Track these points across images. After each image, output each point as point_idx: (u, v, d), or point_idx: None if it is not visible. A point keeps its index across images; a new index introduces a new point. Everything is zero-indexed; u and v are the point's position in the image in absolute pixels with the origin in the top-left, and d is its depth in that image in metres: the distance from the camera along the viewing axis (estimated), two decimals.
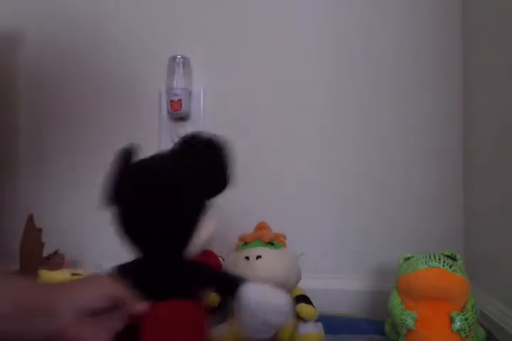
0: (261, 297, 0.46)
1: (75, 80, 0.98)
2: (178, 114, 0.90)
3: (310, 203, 0.89)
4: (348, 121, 0.89)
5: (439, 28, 0.87)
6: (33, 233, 0.83)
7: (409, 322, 0.61)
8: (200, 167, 0.49)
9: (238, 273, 0.63)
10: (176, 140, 0.91)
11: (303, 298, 0.66)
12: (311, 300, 0.67)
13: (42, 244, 0.83)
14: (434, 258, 0.64)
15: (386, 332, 0.70)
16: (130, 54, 0.95)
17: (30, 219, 0.83)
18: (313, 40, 0.90)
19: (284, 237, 0.72)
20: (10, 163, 0.99)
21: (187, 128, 0.93)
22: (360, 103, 0.89)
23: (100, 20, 0.97)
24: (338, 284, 0.86)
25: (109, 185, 0.50)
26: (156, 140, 0.94)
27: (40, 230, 0.83)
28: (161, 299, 0.45)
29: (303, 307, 0.64)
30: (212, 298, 0.62)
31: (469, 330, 0.60)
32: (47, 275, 0.71)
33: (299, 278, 0.67)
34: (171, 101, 0.88)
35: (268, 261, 0.63)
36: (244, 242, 0.69)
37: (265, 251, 0.65)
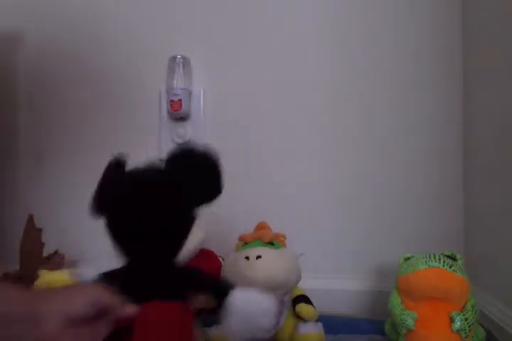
0: (250, 301, 0.47)
1: (75, 80, 0.98)
2: (178, 114, 0.90)
3: (310, 203, 0.89)
4: (348, 121, 0.89)
5: (439, 28, 0.87)
6: (33, 233, 0.83)
7: (409, 322, 0.61)
8: (191, 176, 0.49)
9: (238, 273, 0.63)
10: (176, 140, 0.92)
11: (303, 298, 0.66)
12: (311, 300, 0.67)
13: (42, 244, 0.83)
14: (434, 258, 0.64)
15: (386, 332, 0.70)
16: (130, 54, 0.96)
17: (30, 219, 0.83)
18: (313, 40, 0.90)
19: (284, 237, 0.72)
20: (10, 163, 0.99)
21: (187, 128, 0.93)
22: (360, 103, 0.89)
23: (100, 20, 0.97)
24: (338, 284, 0.86)
25: (100, 193, 0.50)
26: (156, 140, 0.94)
27: (40, 230, 0.83)
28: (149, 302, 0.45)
29: (303, 307, 0.64)
30: (210, 298, 0.62)
31: (469, 330, 0.60)
32: (47, 275, 0.71)
33: (299, 278, 0.67)
34: (171, 101, 0.88)
35: (268, 261, 0.63)
36: (244, 242, 0.69)
37: (265, 251, 0.65)
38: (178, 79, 0.89)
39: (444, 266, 0.63)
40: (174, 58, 0.90)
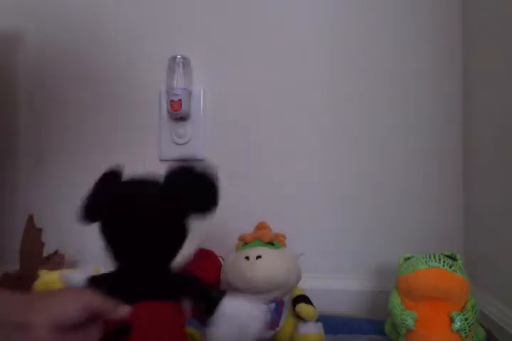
0: (240, 309, 0.48)
1: (75, 80, 0.98)
2: (178, 114, 0.90)
3: (310, 203, 0.89)
4: (348, 121, 0.89)
5: (439, 28, 0.87)
6: (33, 233, 0.83)
7: (409, 322, 0.61)
8: (188, 189, 0.49)
9: (238, 273, 0.63)
10: (176, 140, 0.92)
11: (303, 298, 0.66)
12: (311, 300, 0.67)
13: (42, 244, 0.83)
14: (434, 258, 0.64)
15: (386, 332, 0.70)
16: (130, 54, 0.96)
17: (30, 219, 0.83)
18: (313, 40, 0.90)
19: (284, 237, 0.72)
20: (10, 163, 0.99)
21: (187, 128, 0.93)
22: (360, 103, 0.89)
23: (100, 20, 0.97)
24: (338, 284, 0.86)
25: (94, 200, 0.51)
26: (156, 140, 0.94)
27: (40, 230, 0.83)
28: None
29: (303, 307, 0.64)
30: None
31: (469, 330, 0.60)
32: (47, 275, 0.71)
33: (299, 278, 0.67)
34: (171, 101, 0.88)
35: (268, 261, 0.63)
36: (244, 242, 0.69)
37: (265, 251, 0.65)
38: (178, 79, 0.89)
39: (444, 266, 0.63)
40: (174, 58, 0.90)
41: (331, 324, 0.72)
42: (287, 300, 0.67)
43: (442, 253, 0.66)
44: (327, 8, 0.90)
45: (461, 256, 0.66)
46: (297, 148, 0.90)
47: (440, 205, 0.86)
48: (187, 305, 0.49)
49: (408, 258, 0.68)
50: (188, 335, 0.50)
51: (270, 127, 0.91)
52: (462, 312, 0.61)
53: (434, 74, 0.87)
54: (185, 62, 0.91)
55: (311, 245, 0.86)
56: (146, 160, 0.92)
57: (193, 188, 0.49)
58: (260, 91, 0.91)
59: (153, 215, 0.47)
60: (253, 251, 0.64)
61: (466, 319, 0.60)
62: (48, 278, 0.69)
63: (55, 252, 0.85)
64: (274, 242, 0.68)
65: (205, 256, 0.82)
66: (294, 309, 0.65)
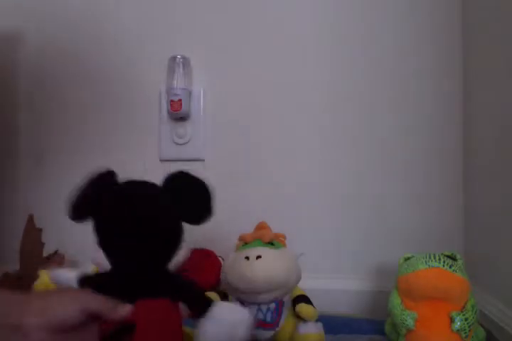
0: (229, 312, 0.49)
1: (75, 80, 0.98)
2: (178, 114, 0.90)
3: (310, 203, 0.89)
4: (348, 121, 0.89)
5: (439, 28, 0.87)
6: (33, 233, 0.83)
7: (409, 322, 0.61)
8: (185, 195, 0.50)
9: (238, 273, 0.63)
10: (176, 140, 0.92)
11: (303, 298, 0.66)
12: (311, 300, 0.67)
13: (42, 244, 0.83)
14: (434, 258, 0.64)
15: (386, 332, 0.70)
16: (130, 54, 0.96)
17: (30, 219, 0.83)
18: (313, 40, 0.90)
19: (284, 237, 0.72)
20: (10, 163, 0.99)
21: (187, 128, 0.93)
22: (360, 103, 0.89)
23: (100, 20, 0.97)
24: (338, 284, 0.86)
25: (88, 198, 0.50)
26: (156, 140, 0.94)
27: (40, 230, 0.83)
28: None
29: (303, 307, 0.64)
30: (213, 296, 0.63)
31: (469, 330, 0.60)
32: (47, 275, 0.71)
33: (299, 278, 0.67)
34: (171, 101, 0.88)
35: (268, 261, 0.63)
36: (244, 242, 0.69)
37: (265, 251, 0.65)
38: (178, 79, 0.89)
39: (444, 266, 0.62)
40: (174, 58, 0.90)
41: (331, 324, 0.72)
42: (287, 300, 0.67)
43: (442, 253, 0.66)
44: (327, 8, 0.90)
45: (461, 256, 0.66)
46: (297, 148, 0.90)
47: (440, 205, 0.86)
48: (185, 305, 0.49)
49: (408, 258, 0.68)
50: (185, 334, 0.50)
51: (270, 127, 0.91)
52: (462, 312, 0.61)
53: (434, 74, 0.87)
54: (185, 62, 0.91)
55: (311, 245, 0.86)
56: (146, 160, 0.92)
57: (190, 194, 0.50)
58: (260, 91, 0.91)
59: (153, 215, 0.47)
60: (253, 251, 0.64)
61: (466, 319, 0.60)
62: (48, 278, 0.69)
63: (55, 252, 0.86)
64: (274, 242, 0.68)
65: (205, 256, 0.82)
66: (294, 309, 0.65)
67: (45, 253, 0.84)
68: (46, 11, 0.99)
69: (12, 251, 0.82)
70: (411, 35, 0.88)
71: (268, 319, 0.64)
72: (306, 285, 0.69)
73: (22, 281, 0.78)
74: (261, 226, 0.72)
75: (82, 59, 0.97)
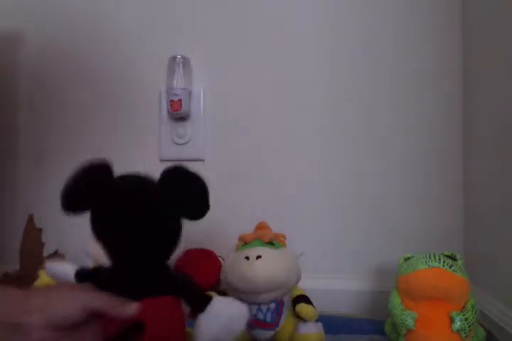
0: (227, 307, 0.49)
1: (75, 80, 0.98)
2: (178, 114, 0.90)
3: (310, 203, 0.89)
4: (348, 121, 0.89)
5: (439, 28, 0.87)
6: (33, 233, 0.83)
7: (409, 322, 0.61)
8: (183, 189, 0.49)
9: (238, 273, 0.63)
10: (176, 140, 0.92)
11: (303, 298, 0.66)
12: (311, 300, 0.67)
13: (42, 244, 0.83)
14: (434, 258, 0.64)
15: (386, 332, 0.70)
16: (130, 54, 0.96)
17: (30, 219, 0.83)
18: (313, 40, 0.90)
19: (284, 237, 0.72)
20: (10, 163, 0.99)
21: (187, 128, 0.93)
22: (360, 103, 0.89)
23: (100, 20, 0.97)
24: (338, 284, 0.86)
25: (83, 189, 0.49)
26: (156, 140, 0.94)
27: (40, 230, 0.83)
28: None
29: (303, 307, 0.64)
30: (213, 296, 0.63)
31: (469, 330, 0.60)
32: (47, 275, 0.71)
33: (299, 278, 0.67)
34: (171, 101, 0.88)
35: (268, 261, 0.63)
36: (244, 242, 0.69)
37: (265, 251, 0.64)
38: (178, 79, 0.89)
39: (444, 266, 0.63)
40: (174, 58, 0.90)
41: (331, 324, 0.72)
42: (287, 300, 0.67)
43: (442, 253, 0.66)
44: (327, 8, 0.90)
45: (461, 256, 0.66)
46: (297, 148, 0.90)
47: (440, 205, 0.86)
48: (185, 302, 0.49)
49: (408, 258, 0.68)
50: (187, 333, 0.50)
51: (270, 127, 0.91)
52: (462, 312, 0.61)
53: (434, 74, 0.87)
54: (185, 62, 0.91)
55: (311, 245, 0.86)
56: (146, 160, 0.92)
57: (188, 188, 0.50)
58: (260, 92, 0.91)
59: (152, 212, 0.47)
60: (253, 251, 0.64)
61: (466, 319, 0.60)
62: (48, 278, 0.69)
63: (55, 252, 0.85)
64: (274, 242, 0.68)
65: (205, 256, 0.82)
66: (294, 309, 0.65)
67: (45, 253, 0.84)
68: (46, 11, 0.99)
69: (12, 251, 0.82)
70: (411, 35, 0.88)
71: (268, 319, 0.64)
72: (306, 285, 0.69)
73: (22, 281, 0.78)
74: (261, 226, 0.72)
75: (82, 59, 0.97)
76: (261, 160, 0.91)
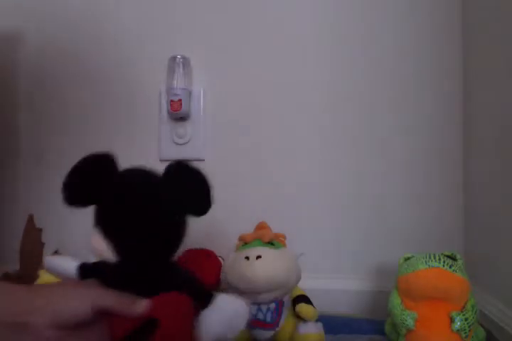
0: (230, 303, 0.49)
1: (75, 80, 0.98)
2: (178, 114, 0.90)
3: (310, 203, 0.89)
4: (348, 121, 0.89)
5: (439, 28, 0.87)
6: (33, 233, 0.83)
7: (409, 322, 0.61)
8: (187, 185, 0.49)
9: (238, 273, 0.63)
10: (176, 140, 0.92)
11: (303, 298, 0.66)
12: (311, 300, 0.67)
13: (42, 244, 0.83)
14: (434, 258, 0.64)
15: (386, 332, 0.70)
16: (130, 54, 0.96)
17: (30, 219, 0.83)
18: (313, 40, 0.90)
19: (284, 237, 0.72)
20: (10, 163, 0.99)
21: (187, 128, 0.93)
22: (360, 103, 0.89)
23: (100, 20, 0.97)
24: (338, 284, 0.86)
25: (87, 182, 0.48)
26: (156, 140, 0.94)
27: (40, 230, 0.83)
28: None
29: (303, 307, 0.64)
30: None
31: (469, 330, 0.60)
32: (47, 275, 0.71)
33: (299, 278, 0.67)
34: (171, 101, 0.88)
35: (268, 261, 0.63)
36: (244, 242, 0.69)
37: (265, 251, 0.65)
38: (178, 79, 0.89)
39: (444, 266, 0.63)
40: (174, 58, 0.90)
41: (331, 324, 0.72)
42: (287, 300, 0.67)
43: (442, 253, 0.66)
44: (327, 8, 0.90)
45: (461, 256, 0.66)
46: (297, 148, 0.90)
47: (440, 205, 0.86)
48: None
49: (408, 258, 0.68)
50: None
51: (270, 127, 0.91)
52: (462, 312, 0.61)
53: (434, 74, 0.87)
54: (185, 62, 0.91)
55: (311, 245, 0.86)
56: (147, 160, 0.92)
57: (191, 184, 0.49)
58: (260, 92, 0.91)
59: (158, 209, 0.46)
60: (253, 251, 0.64)
61: (466, 319, 0.60)
62: (48, 278, 0.69)
63: (55, 252, 0.85)
64: (274, 242, 0.68)
65: (205, 256, 0.82)
66: (294, 309, 0.65)
67: (45, 253, 0.84)
68: (46, 11, 0.99)
69: (12, 251, 0.82)
70: (411, 35, 0.88)
71: (268, 319, 0.64)
72: (306, 285, 0.69)
73: (22, 281, 0.78)
74: (261, 226, 0.72)
75: (82, 59, 0.97)
76: (261, 160, 0.91)
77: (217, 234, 0.86)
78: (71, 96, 0.98)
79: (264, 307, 0.64)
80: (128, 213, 0.45)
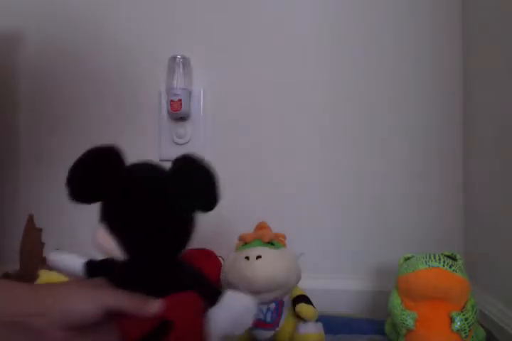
0: (239, 300, 0.48)
1: (75, 80, 0.98)
2: (178, 114, 0.90)
3: (310, 203, 0.89)
4: (348, 121, 0.89)
5: (439, 28, 0.87)
6: (33, 233, 0.83)
7: (409, 322, 0.61)
8: (194, 181, 0.48)
9: (238, 273, 0.63)
10: (176, 140, 0.92)
11: (303, 298, 0.66)
12: (311, 300, 0.67)
13: (42, 244, 0.83)
14: (434, 258, 0.64)
15: (386, 332, 0.70)
16: (130, 54, 0.96)
17: (30, 219, 0.83)
18: (313, 40, 0.90)
19: (284, 237, 0.72)
20: (10, 163, 0.99)
21: (187, 128, 0.93)
22: (360, 103, 0.89)
23: (100, 20, 0.97)
24: (338, 284, 0.86)
25: (91, 177, 0.47)
26: (156, 140, 0.94)
27: (40, 230, 0.83)
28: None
29: (303, 307, 0.64)
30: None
31: (469, 330, 0.60)
32: (47, 275, 0.71)
33: (299, 278, 0.67)
34: (171, 101, 0.88)
35: (268, 261, 0.63)
36: (244, 242, 0.69)
37: (265, 251, 0.64)
38: (178, 79, 0.89)
39: (444, 266, 0.63)
40: (174, 58, 0.90)
41: (331, 324, 0.72)
42: (287, 300, 0.67)
43: (442, 253, 0.66)
44: (327, 8, 0.90)
45: (461, 256, 0.66)
46: (297, 148, 0.90)
47: (440, 205, 0.86)
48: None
49: (408, 258, 0.68)
50: None
51: (270, 127, 0.91)
52: (462, 312, 0.61)
53: (434, 74, 0.87)
54: (185, 62, 0.91)
55: (311, 245, 0.86)
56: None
57: (199, 178, 0.49)
58: (260, 92, 0.91)
59: (166, 205, 0.46)
60: (253, 251, 0.64)
61: (466, 319, 0.60)
62: (48, 278, 0.69)
63: None
64: (274, 242, 0.68)
65: (205, 256, 0.82)
66: (294, 309, 0.65)
67: (45, 253, 0.84)
68: (46, 11, 0.99)
69: (12, 251, 0.82)
70: (411, 35, 0.88)
71: (268, 319, 0.64)
72: (306, 285, 0.69)
73: (22, 281, 0.77)
74: (261, 226, 0.72)
75: (82, 59, 0.97)
76: (261, 160, 0.91)
77: (217, 233, 0.86)
78: (71, 97, 0.98)
79: (264, 307, 0.64)
80: (135, 207, 0.44)
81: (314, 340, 0.63)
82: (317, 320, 0.65)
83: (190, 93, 0.91)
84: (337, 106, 0.89)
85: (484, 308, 0.70)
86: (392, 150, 0.88)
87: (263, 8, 0.92)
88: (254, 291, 0.62)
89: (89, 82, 0.97)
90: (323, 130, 0.90)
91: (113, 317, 0.38)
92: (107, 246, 0.44)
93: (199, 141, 0.93)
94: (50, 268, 0.73)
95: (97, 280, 0.45)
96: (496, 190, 0.73)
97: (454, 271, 0.62)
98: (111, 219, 0.45)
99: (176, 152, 0.95)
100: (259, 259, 0.63)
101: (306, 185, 0.90)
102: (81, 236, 0.92)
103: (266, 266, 0.62)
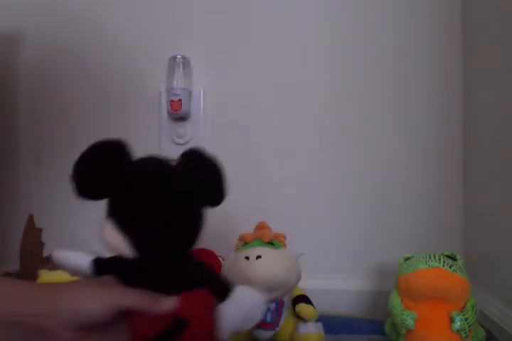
0: (249, 295, 0.48)
1: (75, 80, 0.98)
2: (178, 114, 0.90)
3: (310, 203, 0.89)
4: (348, 121, 0.89)
5: (439, 28, 0.87)
6: (33, 233, 0.83)
7: (409, 322, 0.61)
8: (201, 175, 0.48)
9: (238, 273, 0.63)
10: (176, 140, 0.92)
11: (303, 298, 0.66)
12: (311, 300, 0.67)
13: (42, 244, 0.83)
14: (434, 258, 0.64)
15: (386, 332, 0.70)
16: (130, 54, 0.96)
17: (30, 219, 0.83)
18: (313, 40, 0.90)
19: (284, 237, 0.72)
20: (10, 163, 0.99)
21: (187, 128, 0.93)
22: (360, 103, 0.89)
23: (100, 20, 0.97)
24: (338, 284, 0.86)
25: (98, 173, 0.46)
26: (156, 140, 0.94)
27: (40, 230, 0.83)
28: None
29: (303, 307, 0.64)
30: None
31: (469, 330, 0.60)
32: (47, 275, 0.71)
33: (299, 278, 0.67)
34: (171, 101, 0.88)
35: (268, 261, 0.63)
36: (244, 242, 0.69)
37: (265, 251, 0.64)
38: (178, 79, 0.89)
39: (444, 266, 0.63)
40: (174, 58, 0.90)
41: (331, 324, 0.72)
42: (287, 300, 0.67)
43: (442, 253, 0.66)
44: (327, 8, 0.90)
45: (461, 256, 0.66)
46: (297, 148, 0.90)
47: (440, 205, 0.86)
48: None
49: (408, 258, 0.68)
50: None
51: (270, 127, 0.91)
52: (462, 312, 0.61)
53: (434, 74, 0.87)
54: (185, 62, 0.91)
55: (311, 245, 0.86)
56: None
57: (205, 173, 0.48)
58: (260, 91, 0.91)
59: (175, 201, 0.45)
60: (253, 251, 0.64)
61: (466, 319, 0.60)
62: (48, 278, 0.69)
63: None
64: (274, 242, 0.68)
65: (205, 256, 0.82)
66: (294, 309, 0.65)
67: (45, 253, 0.84)
68: (46, 11, 0.99)
69: (12, 251, 0.82)
70: (411, 35, 0.88)
71: (268, 319, 0.64)
72: (306, 285, 0.69)
73: None
74: (261, 226, 0.72)
75: (82, 59, 0.97)
76: (261, 160, 0.91)
77: (217, 233, 0.86)
78: (71, 96, 0.98)
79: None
80: (142, 202, 0.44)
81: (314, 340, 0.63)
82: (317, 320, 0.65)
83: (190, 93, 0.91)
84: (337, 106, 0.89)
85: (484, 308, 0.70)
86: (392, 150, 0.88)
87: (263, 8, 0.92)
88: None
89: (89, 82, 0.97)
90: (323, 130, 0.90)
91: (123, 316, 0.38)
92: (115, 243, 0.44)
93: (199, 141, 0.93)
94: (50, 268, 0.74)
95: (106, 278, 0.44)
96: (496, 190, 0.73)
97: (454, 271, 0.62)
98: (118, 215, 0.44)
99: (176, 152, 0.95)
100: (259, 259, 0.63)
101: (306, 185, 0.90)
102: (81, 236, 0.92)
103: (266, 266, 0.62)
